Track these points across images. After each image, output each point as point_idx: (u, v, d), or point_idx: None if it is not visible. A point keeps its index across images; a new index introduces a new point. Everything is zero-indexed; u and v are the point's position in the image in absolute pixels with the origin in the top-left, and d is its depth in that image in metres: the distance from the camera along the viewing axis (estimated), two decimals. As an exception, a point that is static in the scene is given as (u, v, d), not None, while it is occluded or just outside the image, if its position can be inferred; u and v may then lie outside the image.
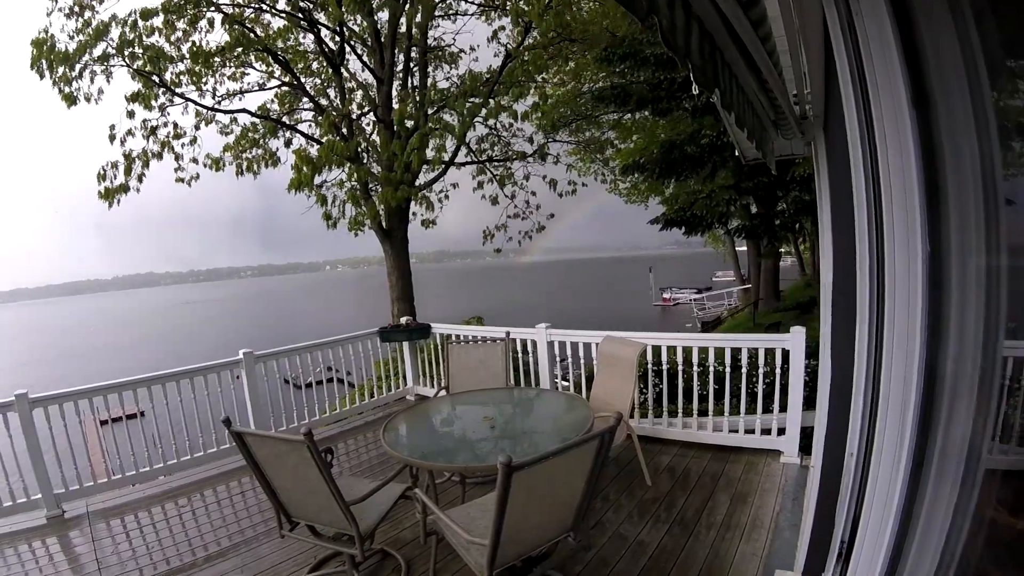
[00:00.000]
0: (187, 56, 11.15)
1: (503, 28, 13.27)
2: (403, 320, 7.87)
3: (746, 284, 28.91)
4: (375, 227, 12.27)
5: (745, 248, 24.38)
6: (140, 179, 11.19)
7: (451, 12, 12.98)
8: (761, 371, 4.82)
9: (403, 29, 11.94)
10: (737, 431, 5.05)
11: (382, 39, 11.95)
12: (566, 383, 6.54)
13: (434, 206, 12.66)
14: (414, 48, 12.24)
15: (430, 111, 12.04)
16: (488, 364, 5.39)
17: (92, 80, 10.65)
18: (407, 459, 3.44)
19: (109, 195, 10.81)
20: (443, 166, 12.46)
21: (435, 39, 13.16)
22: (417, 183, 11.93)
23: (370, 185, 12.05)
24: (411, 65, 12.41)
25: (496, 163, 14.20)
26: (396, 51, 12.00)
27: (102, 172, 10.85)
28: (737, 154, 4.36)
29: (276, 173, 12.73)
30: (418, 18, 11.18)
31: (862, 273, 1.37)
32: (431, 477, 3.95)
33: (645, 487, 4.48)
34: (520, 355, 6.32)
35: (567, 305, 55.95)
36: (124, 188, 10.97)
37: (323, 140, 11.62)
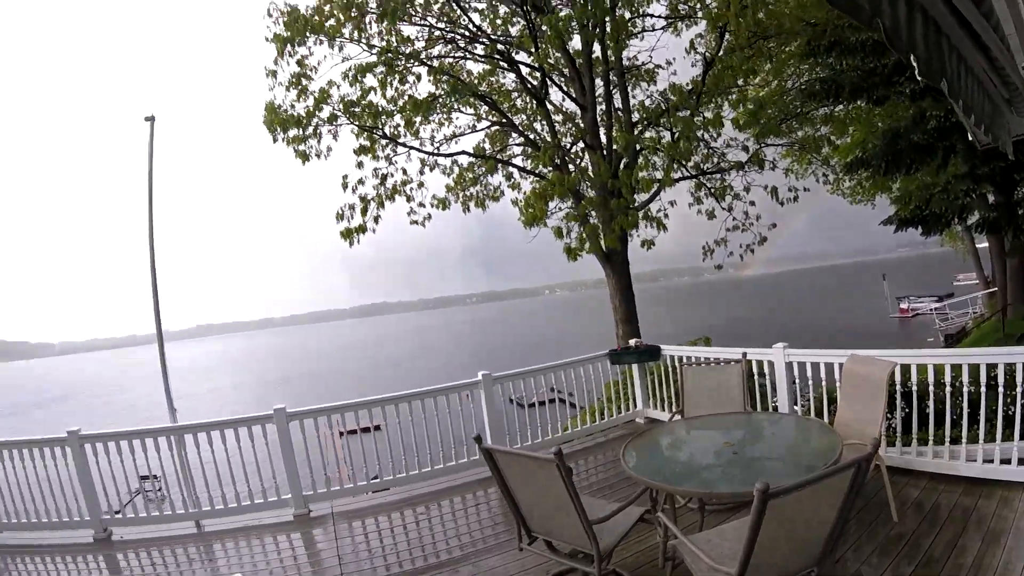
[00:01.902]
0: (401, 109, 12.23)
1: (700, 36, 13.06)
2: (632, 342, 7.78)
3: (991, 287, 25.14)
4: (595, 250, 12.47)
5: (986, 245, 21.17)
6: (376, 220, 12.53)
7: (636, 31, 12.91)
8: (1020, 390, 4.18)
9: (597, 55, 12.19)
10: (992, 461, 4.37)
11: (578, 67, 12.29)
12: (798, 407, 6.16)
13: (661, 225, 12.70)
14: (611, 71, 12.35)
15: (639, 130, 12.21)
16: (725, 387, 5.20)
17: (319, 140, 12.20)
18: (650, 482, 3.47)
19: (349, 235, 12.17)
20: (658, 184, 12.41)
21: (628, 59, 13.22)
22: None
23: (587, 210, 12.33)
24: (611, 88, 12.53)
25: (712, 175, 13.80)
26: (593, 76, 12.24)
27: (340, 212, 12.25)
28: (971, 138, 3.92)
29: (495, 204, 13.79)
30: (606, 35, 11.35)
31: None
32: (671, 501, 3.96)
33: (889, 522, 4.08)
34: (756, 377, 6.02)
35: (794, 320, 52.61)
36: (362, 228, 12.31)
37: (538, 171, 12.21)
